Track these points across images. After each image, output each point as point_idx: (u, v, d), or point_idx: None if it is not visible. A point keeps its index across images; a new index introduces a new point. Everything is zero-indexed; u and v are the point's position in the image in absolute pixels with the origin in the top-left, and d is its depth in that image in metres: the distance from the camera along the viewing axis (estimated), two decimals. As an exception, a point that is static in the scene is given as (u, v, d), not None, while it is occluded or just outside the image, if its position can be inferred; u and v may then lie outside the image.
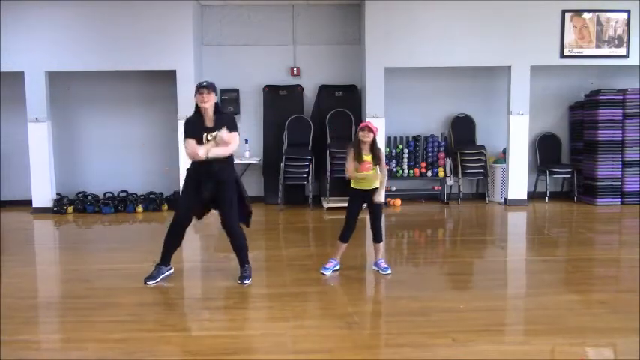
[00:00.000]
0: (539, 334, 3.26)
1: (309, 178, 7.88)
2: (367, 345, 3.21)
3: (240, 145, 4.71)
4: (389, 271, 4.51)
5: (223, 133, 4.05)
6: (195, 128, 4.16)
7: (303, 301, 3.96)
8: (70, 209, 7.70)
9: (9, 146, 8.29)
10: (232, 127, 4.17)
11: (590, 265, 4.96)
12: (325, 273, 4.50)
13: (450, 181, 8.26)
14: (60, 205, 7.66)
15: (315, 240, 6.42)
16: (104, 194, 8.07)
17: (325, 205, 7.75)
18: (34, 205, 7.76)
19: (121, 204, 7.79)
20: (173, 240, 4.35)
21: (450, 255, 5.51)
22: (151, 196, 8.04)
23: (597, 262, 5.14)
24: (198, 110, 4.19)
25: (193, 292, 4.35)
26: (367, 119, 7.74)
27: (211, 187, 4.17)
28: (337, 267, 4.59)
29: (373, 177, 4.35)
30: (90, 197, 8.00)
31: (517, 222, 7.31)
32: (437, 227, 7.05)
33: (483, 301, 3.85)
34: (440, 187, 8.46)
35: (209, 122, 4.17)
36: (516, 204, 7.91)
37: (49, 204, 7.72)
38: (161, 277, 4.34)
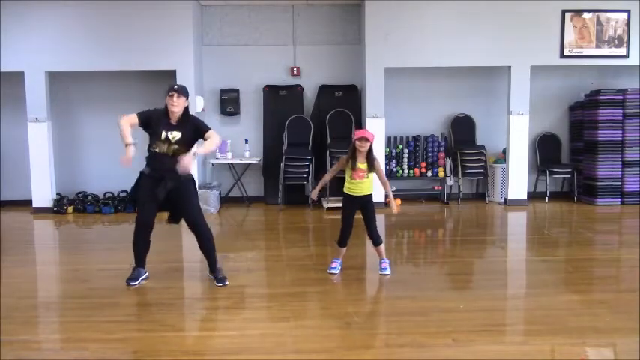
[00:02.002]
0: (539, 334, 3.26)
1: (309, 178, 7.88)
2: (367, 345, 3.21)
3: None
4: (387, 272, 4.49)
5: (187, 159, 4.00)
6: (159, 120, 4.12)
7: (303, 301, 3.97)
8: (70, 209, 7.70)
9: (9, 146, 8.29)
10: (205, 128, 4.21)
11: (590, 265, 4.96)
12: (335, 272, 4.49)
13: (450, 181, 8.26)
14: (60, 205, 7.66)
15: (315, 240, 6.42)
16: (104, 194, 8.08)
17: (325, 205, 7.75)
18: (34, 205, 7.76)
19: (120, 204, 7.79)
20: (142, 244, 4.29)
21: (450, 255, 5.51)
22: (151, 196, 8.03)
23: (597, 262, 5.14)
24: (166, 109, 4.14)
25: (193, 292, 4.35)
26: (367, 119, 7.75)
27: (171, 186, 4.08)
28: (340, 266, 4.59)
29: (367, 184, 4.37)
30: (90, 197, 8.00)
31: (517, 222, 7.31)
32: (437, 227, 7.05)
33: (483, 301, 3.85)
34: (440, 187, 8.45)
35: (174, 121, 4.14)
36: (516, 204, 7.91)
37: (49, 204, 7.72)
38: (141, 278, 4.31)
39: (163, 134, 4.08)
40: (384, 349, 3.17)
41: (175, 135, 4.09)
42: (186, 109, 4.18)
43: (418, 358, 2.99)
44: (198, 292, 4.33)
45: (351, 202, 4.43)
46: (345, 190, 4.44)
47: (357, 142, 4.28)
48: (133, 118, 4.11)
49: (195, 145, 4.27)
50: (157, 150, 4.11)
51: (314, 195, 4.54)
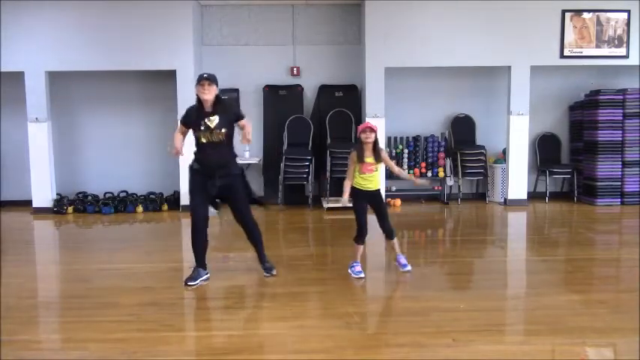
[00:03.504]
0: (539, 334, 3.26)
1: (309, 178, 7.88)
2: (367, 345, 3.21)
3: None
4: (408, 268, 4.50)
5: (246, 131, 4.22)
6: (195, 115, 4.21)
7: (303, 301, 3.96)
8: (70, 209, 7.70)
9: (9, 146, 8.30)
10: (239, 115, 4.31)
11: (590, 265, 4.96)
12: (361, 276, 4.41)
13: (450, 181, 8.26)
14: (60, 205, 7.66)
15: (315, 240, 6.42)
16: (104, 194, 8.08)
17: (325, 205, 7.75)
18: (34, 205, 7.76)
19: (121, 204, 7.79)
20: (199, 241, 4.32)
21: (450, 255, 5.51)
22: (151, 196, 8.04)
23: (597, 262, 5.13)
24: (199, 101, 4.22)
25: (193, 292, 4.34)
26: (367, 119, 7.74)
27: (220, 181, 4.16)
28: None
29: (376, 178, 4.38)
30: (90, 197, 8.00)
31: (517, 222, 7.31)
32: (437, 227, 7.05)
33: (483, 301, 3.84)
34: (440, 187, 8.45)
35: (208, 107, 4.21)
36: (516, 204, 7.91)
37: (49, 204, 7.72)
38: (200, 280, 4.30)
39: (202, 124, 4.16)
40: (384, 349, 3.17)
41: (213, 120, 4.15)
42: (218, 95, 4.24)
43: (418, 358, 2.99)
44: (198, 292, 4.33)
45: (362, 197, 4.40)
46: (355, 185, 4.39)
47: (362, 135, 4.28)
48: (179, 127, 4.33)
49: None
50: (202, 141, 4.17)
51: (345, 200, 4.44)
